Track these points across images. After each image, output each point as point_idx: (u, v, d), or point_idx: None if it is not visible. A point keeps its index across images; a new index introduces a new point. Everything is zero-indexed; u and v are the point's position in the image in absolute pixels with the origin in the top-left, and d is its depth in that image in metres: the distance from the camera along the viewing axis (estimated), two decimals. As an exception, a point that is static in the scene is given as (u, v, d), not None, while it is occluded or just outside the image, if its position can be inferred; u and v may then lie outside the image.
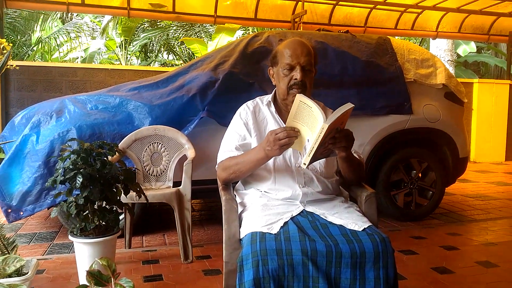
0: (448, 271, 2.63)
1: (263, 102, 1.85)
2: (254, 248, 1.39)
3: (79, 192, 1.96)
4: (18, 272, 2.00)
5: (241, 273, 1.37)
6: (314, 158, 1.50)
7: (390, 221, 3.81)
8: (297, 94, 1.51)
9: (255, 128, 1.78)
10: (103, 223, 2.06)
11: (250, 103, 1.86)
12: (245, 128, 1.78)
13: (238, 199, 1.77)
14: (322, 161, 1.75)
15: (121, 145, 3.07)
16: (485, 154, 7.97)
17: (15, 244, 2.03)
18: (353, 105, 1.50)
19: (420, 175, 3.97)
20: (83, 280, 2.08)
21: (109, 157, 2.12)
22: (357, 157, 1.79)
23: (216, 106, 3.36)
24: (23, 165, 3.18)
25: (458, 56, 12.73)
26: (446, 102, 4.08)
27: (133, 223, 3.20)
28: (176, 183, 3.02)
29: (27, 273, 1.99)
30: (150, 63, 13.81)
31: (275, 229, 1.48)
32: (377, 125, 3.78)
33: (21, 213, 3.09)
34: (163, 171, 3.16)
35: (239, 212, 1.69)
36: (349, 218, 1.58)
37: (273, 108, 1.81)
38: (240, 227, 1.61)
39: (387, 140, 3.82)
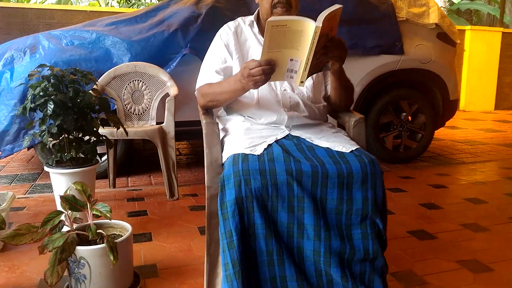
0: (436, 206, 2.61)
1: (246, 22, 1.70)
2: (236, 168, 1.30)
3: (52, 122, 1.85)
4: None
5: (222, 193, 1.29)
6: (309, 74, 1.38)
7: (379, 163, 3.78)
8: (267, 21, 1.35)
9: (237, 49, 1.64)
10: (80, 154, 1.96)
11: (231, 23, 1.71)
12: (226, 50, 1.65)
13: (220, 125, 1.68)
14: (309, 85, 1.64)
15: (99, 82, 2.92)
16: (475, 103, 7.93)
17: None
18: (341, 6, 1.38)
19: (410, 117, 3.90)
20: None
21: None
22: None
23: (199, 43, 3.19)
24: (-4, 104, 3.03)
25: (451, 3, 12.42)
26: (438, 43, 3.94)
27: (117, 164, 3.11)
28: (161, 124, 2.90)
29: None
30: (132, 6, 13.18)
31: (258, 151, 1.39)
32: (368, 65, 3.65)
33: (0, 153, 2.98)
34: (145, 110, 3.04)
35: (221, 137, 1.60)
36: (336, 142, 1.49)
37: (256, 29, 1.67)
38: (222, 151, 1.53)
39: (378, 81, 3.71)
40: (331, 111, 1.81)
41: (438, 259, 1.91)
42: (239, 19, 1.73)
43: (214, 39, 1.70)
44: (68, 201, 1.49)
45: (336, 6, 1.35)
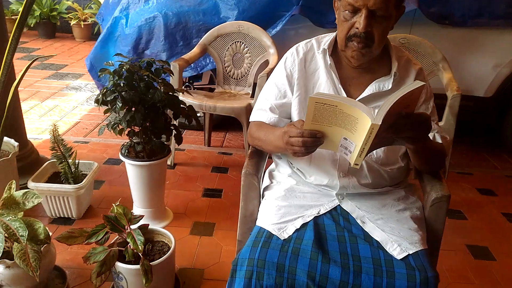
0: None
1: (320, 46, 1.36)
2: (253, 254, 1.14)
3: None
4: (76, 180, 2.09)
5: (232, 278, 1.16)
6: (367, 154, 1.08)
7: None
8: (309, 97, 1.02)
9: (300, 83, 1.34)
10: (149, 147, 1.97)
11: (303, 45, 1.39)
12: (287, 82, 1.36)
13: (271, 166, 1.48)
14: None
15: (202, 40, 2.84)
16: None
17: (72, 150, 2.08)
18: (424, 83, 1.01)
19: None
20: (135, 200, 2.10)
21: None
22: (439, 140, 1.29)
23: (313, 1, 2.80)
24: (114, 48, 3.19)
25: None
26: None
27: (214, 122, 3.13)
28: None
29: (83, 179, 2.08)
30: None
31: (286, 233, 1.19)
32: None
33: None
34: (244, 75, 2.89)
35: (264, 186, 1.41)
36: (395, 232, 1.19)
37: (329, 59, 1.32)
38: (260, 203, 1.36)
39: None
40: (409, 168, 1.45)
41: None
42: (314, 41, 1.38)
43: (279, 63, 1.42)
44: (110, 221, 1.53)
45: (416, 85, 0.99)
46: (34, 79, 4.33)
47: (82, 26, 5.97)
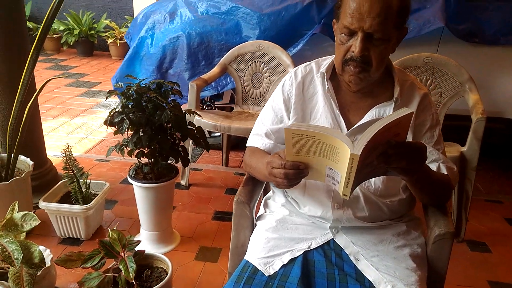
0: None
1: (319, 70, 1.30)
2: (236, 289, 1.08)
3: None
4: (86, 200, 2.10)
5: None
6: (356, 185, 1.00)
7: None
8: (284, 128, 0.96)
9: (296, 108, 1.27)
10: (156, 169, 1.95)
11: (302, 68, 1.32)
12: (283, 107, 1.29)
13: (268, 194, 1.41)
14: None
15: (223, 60, 2.83)
16: None
17: (84, 172, 2.10)
18: (412, 111, 0.92)
19: None
20: (142, 222, 2.09)
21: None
22: (444, 171, 1.18)
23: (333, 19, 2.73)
24: (140, 67, 3.25)
25: None
26: None
27: (232, 142, 3.10)
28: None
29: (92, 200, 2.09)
30: None
31: (272, 269, 1.12)
32: None
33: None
34: (262, 95, 2.85)
35: (258, 215, 1.35)
36: (390, 271, 1.09)
37: (327, 83, 1.24)
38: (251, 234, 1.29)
39: None
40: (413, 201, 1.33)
41: None
42: (313, 64, 1.32)
43: (277, 86, 1.36)
44: (105, 246, 1.51)
45: (403, 113, 0.90)
46: (67, 97, 4.48)
47: (118, 44, 6.16)
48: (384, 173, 1.04)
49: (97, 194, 2.15)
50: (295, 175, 1.02)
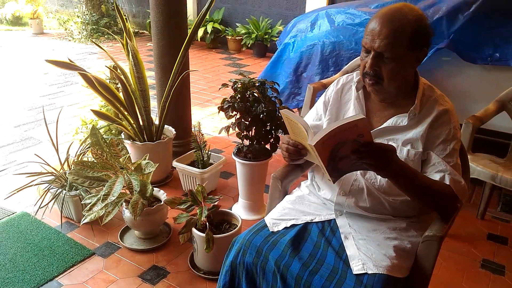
0: None
1: (355, 79, 1.53)
2: (246, 236, 1.42)
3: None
4: (204, 166, 2.69)
5: (229, 250, 1.47)
6: (339, 172, 1.26)
7: None
8: (281, 111, 1.25)
9: (332, 110, 1.52)
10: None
11: (345, 77, 1.56)
12: (323, 107, 1.55)
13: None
14: None
15: (346, 68, 3.09)
16: None
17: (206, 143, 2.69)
18: (363, 117, 1.11)
19: None
20: (240, 192, 2.57)
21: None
22: (447, 182, 1.30)
23: (464, 36, 2.73)
24: (281, 69, 3.75)
25: None
26: None
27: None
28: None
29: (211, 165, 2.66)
30: None
31: (276, 228, 1.42)
32: None
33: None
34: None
35: (293, 190, 1.65)
36: (368, 253, 1.28)
37: (356, 92, 1.48)
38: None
39: None
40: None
41: None
42: (355, 73, 1.55)
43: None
44: (193, 195, 2.02)
45: (354, 118, 1.12)
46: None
47: (288, 48, 6.85)
48: (364, 168, 1.25)
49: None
50: (294, 151, 1.33)
